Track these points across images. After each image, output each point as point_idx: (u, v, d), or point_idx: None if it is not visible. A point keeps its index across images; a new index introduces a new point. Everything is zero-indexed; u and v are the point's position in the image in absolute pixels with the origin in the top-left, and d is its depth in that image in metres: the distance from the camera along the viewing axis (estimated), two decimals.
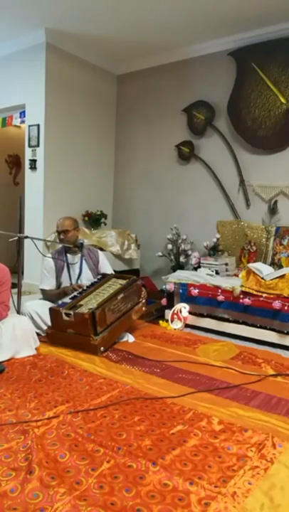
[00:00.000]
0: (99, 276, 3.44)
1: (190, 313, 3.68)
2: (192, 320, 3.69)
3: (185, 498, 1.42)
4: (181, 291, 3.77)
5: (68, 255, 3.42)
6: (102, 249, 4.09)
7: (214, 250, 4.25)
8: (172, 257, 4.55)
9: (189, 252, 4.44)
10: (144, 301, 3.47)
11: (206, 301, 3.60)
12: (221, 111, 4.45)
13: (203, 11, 3.77)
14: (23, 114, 4.75)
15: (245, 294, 3.39)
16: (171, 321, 3.68)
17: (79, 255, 3.44)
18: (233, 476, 1.54)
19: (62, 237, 3.34)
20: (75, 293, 3.17)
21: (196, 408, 2.09)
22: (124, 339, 3.19)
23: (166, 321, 3.74)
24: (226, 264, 3.99)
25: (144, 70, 5.05)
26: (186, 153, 4.72)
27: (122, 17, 3.95)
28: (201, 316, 3.67)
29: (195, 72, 4.63)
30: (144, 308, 3.51)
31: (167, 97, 4.88)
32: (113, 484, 1.48)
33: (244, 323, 3.43)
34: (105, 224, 5.12)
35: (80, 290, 3.20)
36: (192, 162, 4.73)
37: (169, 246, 4.55)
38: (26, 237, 3.24)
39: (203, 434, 1.84)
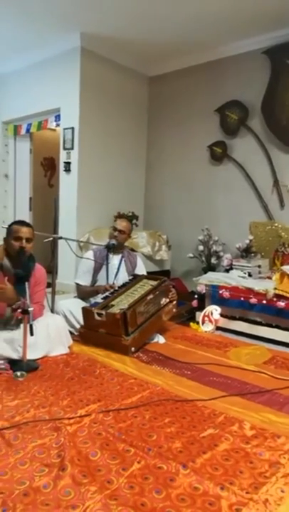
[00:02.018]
0: (130, 277, 3.46)
1: (221, 315, 3.64)
2: (223, 322, 3.65)
3: (216, 503, 1.41)
4: (212, 293, 3.74)
5: (109, 255, 3.47)
6: (133, 250, 4.11)
7: (247, 252, 4.19)
8: (203, 258, 4.52)
9: (221, 254, 4.40)
10: (174, 302, 3.46)
11: (238, 304, 3.55)
12: (254, 110, 4.39)
13: (236, 9, 3.73)
14: (58, 117, 4.86)
15: (279, 297, 3.32)
16: (202, 323, 3.66)
17: (119, 256, 3.50)
18: (265, 483, 1.51)
19: (115, 234, 3.45)
20: (107, 293, 3.21)
21: (227, 412, 2.06)
22: (155, 340, 3.19)
23: (197, 323, 3.72)
24: (259, 267, 3.92)
25: (176, 71, 5.04)
26: (219, 153, 4.67)
27: (155, 19, 3.97)
28: (233, 318, 3.62)
29: (228, 72, 4.58)
30: (174, 310, 3.50)
31: (199, 97, 4.85)
32: (143, 485, 1.49)
33: (277, 326, 3.35)
34: (136, 225, 5.14)
35: (112, 290, 3.24)
36: (225, 163, 4.68)
37: (200, 247, 4.53)
38: (60, 237, 3.32)
39: (234, 438, 1.82)
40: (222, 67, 4.63)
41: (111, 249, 3.46)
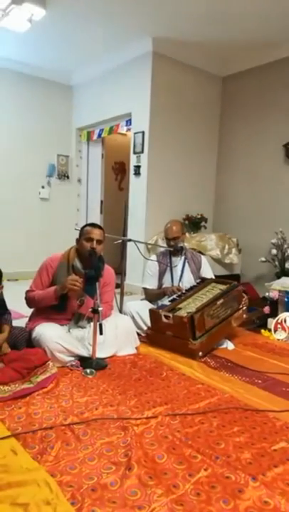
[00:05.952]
0: (198, 280, 3.42)
1: None
2: None
3: None
4: (286, 299, 3.55)
5: (172, 258, 3.47)
6: (201, 253, 4.06)
7: None
8: (277, 262, 4.32)
9: None
10: (245, 307, 3.34)
11: None
12: None
13: None
14: (129, 122, 4.96)
15: None
16: (275, 331, 3.49)
17: (182, 258, 3.47)
18: None
19: (172, 243, 3.40)
20: (174, 296, 3.19)
21: None
22: (224, 346, 3.11)
23: (269, 330, 3.55)
24: None
25: (249, 70, 4.91)
26: None
27: (227, 19, 3.90)
28: None
29: None
30: (244, 316, 3.39)
31: (274, 95, 4.67)
32: (210, 493, 1.44)
33: None
34: (205, 228, 5.08)
35: (180, 293, 3.21)
36: None
37: (274, 251, 4.33)
38: (129, 240, 3.37)
39: None
40: None
41: (180, 251, 3.44)
